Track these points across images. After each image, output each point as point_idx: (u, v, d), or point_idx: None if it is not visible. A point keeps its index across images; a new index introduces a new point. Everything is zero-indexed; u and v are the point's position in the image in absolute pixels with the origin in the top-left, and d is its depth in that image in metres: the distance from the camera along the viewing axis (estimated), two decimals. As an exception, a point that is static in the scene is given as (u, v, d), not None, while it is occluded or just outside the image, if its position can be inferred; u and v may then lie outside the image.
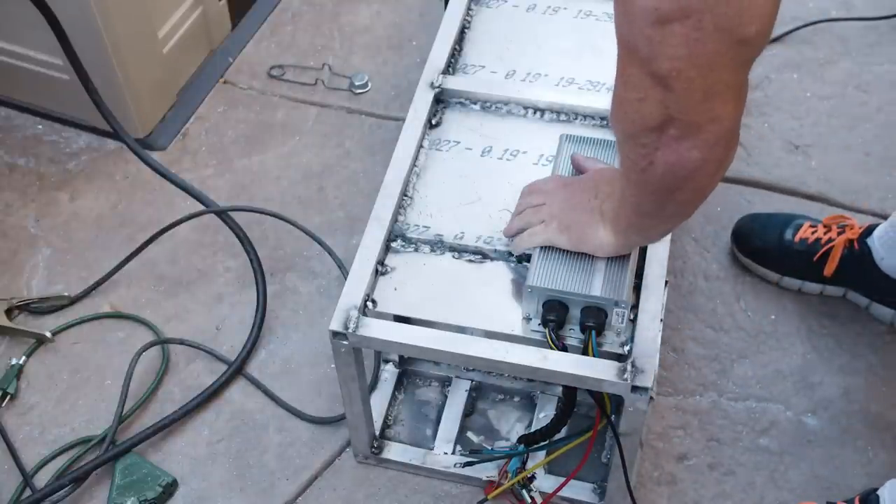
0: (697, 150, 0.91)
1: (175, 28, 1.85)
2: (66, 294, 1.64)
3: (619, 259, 1.19)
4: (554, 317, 1.17)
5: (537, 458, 1.36)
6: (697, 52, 0.83)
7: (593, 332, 1.16)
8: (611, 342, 1.18)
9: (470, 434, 1.46)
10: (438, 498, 1.41)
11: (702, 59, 0.83)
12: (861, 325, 1.57)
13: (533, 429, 1.37)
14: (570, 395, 1.24)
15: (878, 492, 1.30)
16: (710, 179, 0.96)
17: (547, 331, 1.17)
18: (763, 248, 1.60)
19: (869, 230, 1.53)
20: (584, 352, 1.16)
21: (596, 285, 1.17)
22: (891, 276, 1.51)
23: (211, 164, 1.83)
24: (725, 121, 0.89)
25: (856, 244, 1.53)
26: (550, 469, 1.39)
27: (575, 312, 1.18)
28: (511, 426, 1.46)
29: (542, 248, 1.20)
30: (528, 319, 1.20)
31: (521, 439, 1.33)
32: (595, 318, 1.16)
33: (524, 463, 1.34)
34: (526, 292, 1.18)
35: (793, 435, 1.47)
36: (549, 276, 1.17)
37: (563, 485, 1.33)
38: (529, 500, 1.33)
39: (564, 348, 1.17)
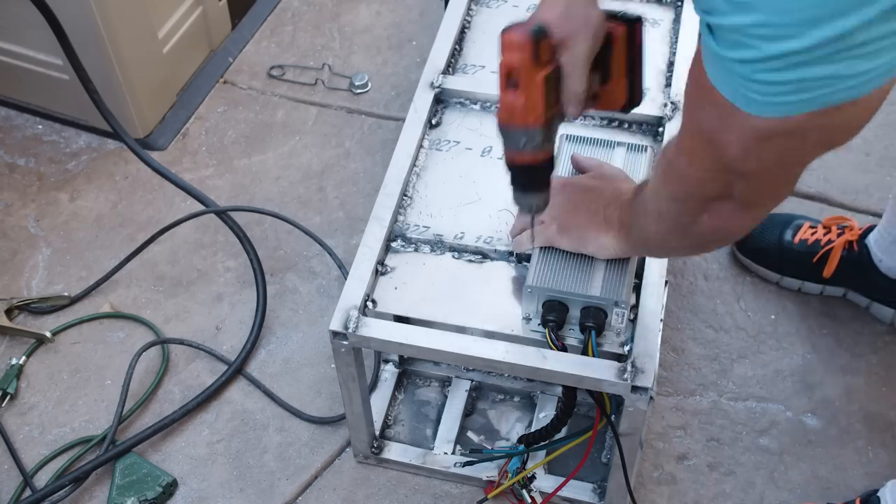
0: (749, 220, 0.95)
1: (175, 28, 1.85)
2: (66, 294, 1.64)
3: (618, 259, 1.19)
4: (554, 317, 1.17)
5: (537, 458, 1.36)
6: (792, 159, 0.84)
7: (593, 332, 1.16)
8: (611, 342, 1.18)
9: (470, 434, 1.46)
10: (438, 498, 1.41)
11: (794, 163, 0.85)
12: (861, 324, 1.57)
13: (533, 429, 1.36)
14: (570, 395, 1.24)
15: (879, 493, 1.30)
16: (746, 233, 1.01)
17: (547, 331, 1.17)
18: (762, 248, 1.60)
19: (868, 231, 1.53)
20: (584, 352, 1.16)
21: (595, 285, 1.17)
22: (890, 276, 1.51)
23: (211, 164, 1.83)
24: (784, 197, 0.92)
25: (855, 245, 1.53)
26: (550, 469, 1.39)
27: (575, 312, 1.18)
28: (511, 426, 1.46)
29: (542, 248, 1.20)
30: (527, 319, 1.20)
31: (521, 439, 1.33)
32: (595, 319, 1.16)
33: (524, 463, 1.34)
34: (526, 292, 1.18)
35: (793, 435, 1.47)
36: (548, 276, 1.17)
37: (562, 484, 1.33)
38: (529, 500, 1.33)
39: (564, 348, 1.17)
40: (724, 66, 0.78)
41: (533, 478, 1.34)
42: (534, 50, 0.95)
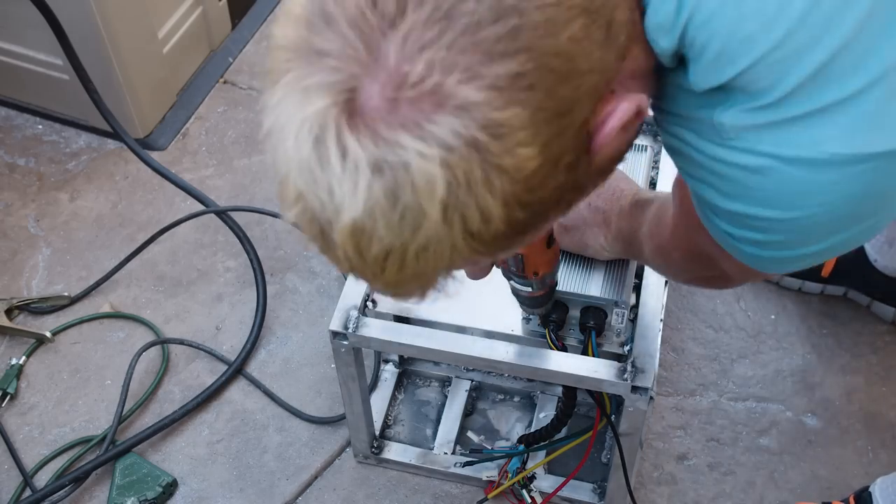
0: (737, 285, 0.95)
1: (175, 28, 1.85)
2: (66, 294, 1.64)
3: (619, 259, 1.18)
4: (554, 317, 1.17)
5: (537, 458, 1.36)
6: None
7: (593, 333, 1.16)
8: (611, 342, 1.18)
9: (470, 434, 1.46)
10: (438, 498, 1.41)
11: None
12: (861, 324, 1.57)
13: (533, 429, 1.36)
14: (570, 395, 1.24)
15: (870, 489, 1.30)
16: None
17: (547, 331, 1.17)
18: None
19: None
20: (584, 352, 1.16)
21: (596, 285, 1.17)
22: (887, 275, 1.50)
23: (211, 164, 1.83)
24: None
25: None
26: (550, 469, 1.39)
27: (575, 312, 1.18)
28: (511, 426, 1.46)
29: (542, 248, 1.20)
30: (528, 319, 1.20)
31: (521, 439, 1.33)
32: (595, 319, 1.16)
33: (524, 463, 1.34)
34: (526, 292, 1.18)
35: (793, 435, 1.47)
36: (549, 276, 1.17)
37: (563, 484, 1.33)
38: (529, 500, 1.33)
39: (564, 348, 1.17)
40: (734, 245, 0.77)
41: (533, 478, 1.34)
42: None
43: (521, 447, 1.33)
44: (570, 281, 1.17)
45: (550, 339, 1.16)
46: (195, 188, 1.72)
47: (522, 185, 0.62)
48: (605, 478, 1.36)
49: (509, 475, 1.33)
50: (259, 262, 1.63)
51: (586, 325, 1.17)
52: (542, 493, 1.34)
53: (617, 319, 1.17)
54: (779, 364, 1.54)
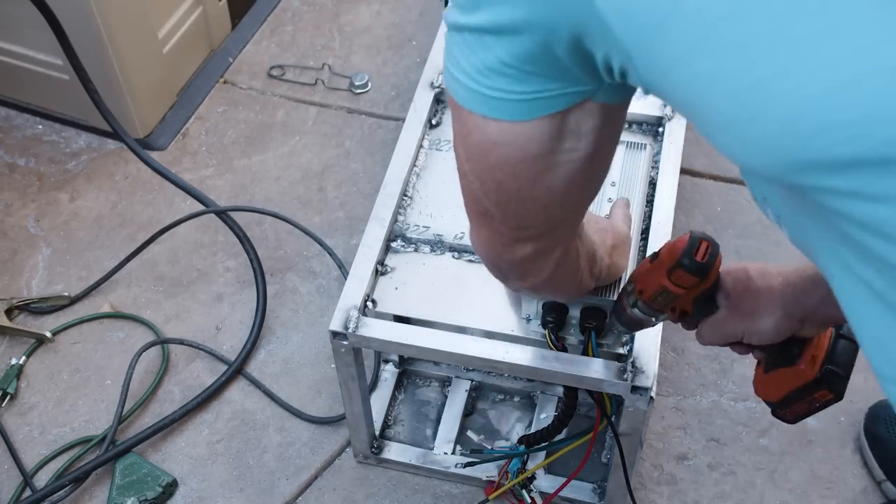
0: (511, 250, 0.90)
1: (175, 28, 1.85)
2: (66, 294, 1.64)
3: (619, 259, 1.18)
4: (554, 317, 1.17)
5: (537, 459, 1.36)
6: (486, 174, 0.82)
7: (593, 333, 1.16)
8: (611, 342, 1.18)
9: (470, 434, 1.46)
10: (438, 498, 1.41)
11: (491, 180, 0.82)
12: (861, 325, 1.57)
13: (533, 429, 1.36)
14: (571, 395, 1.24)
15: None
16: (523, 288, 1.01)
17: (547, 332, 1.17)
18: (884, 438, 1.41)
19: None
20: (584, 352, 1.16)
21: (596, 285, 1.16)
22: None
23: (211, 164, 1.83)
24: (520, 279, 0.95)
25: None
26: (550, 469, 1.39)
27: (575, 313, 1.18)
28: (511, 426, 1.46)
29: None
30: (528, 320, 1.20)
31: (521, 440, 1.33)
32: (595, 319, 1.16)
33: (524, 463, 1.34)
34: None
35: (793, 435, 1.47)
36: (549, 276, 1.17)
37: (563, 485, 1.33)
38: (529, 501, 1.33)
39: (564, 349, 1.17)
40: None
41: (533, 478, 1.34)
42: None
43: (522, 448, 1.33)
44: (570, 281, 1.17)
45: (550, 339, 1.16)
46: (195, 188, 1.72)
47: None
48: (605, 478, 1.36)
49: (510, 476, 1.33)
50: (259, 262, 1.63)
51: (586, 325, 1.17)
52: (542, 493, 1.34)
53: (617, 319, 1.17)
54: (779, 364, 1.54)
